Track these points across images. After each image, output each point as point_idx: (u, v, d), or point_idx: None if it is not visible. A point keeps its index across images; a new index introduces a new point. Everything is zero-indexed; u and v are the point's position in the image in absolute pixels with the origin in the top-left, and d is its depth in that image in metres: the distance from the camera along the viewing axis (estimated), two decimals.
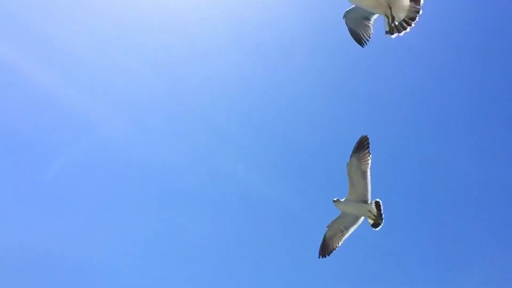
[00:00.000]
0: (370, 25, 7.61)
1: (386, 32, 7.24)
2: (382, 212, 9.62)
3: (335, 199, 9.72)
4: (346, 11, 7.51)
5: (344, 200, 9.70)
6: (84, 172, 16.73)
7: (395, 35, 7.17)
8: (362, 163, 9.50)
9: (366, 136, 9.50)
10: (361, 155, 9.47)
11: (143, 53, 16.44)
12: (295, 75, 16.55)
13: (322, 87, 16.57)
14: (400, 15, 6.96)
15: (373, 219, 9.65)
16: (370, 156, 9.50)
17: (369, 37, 7.61)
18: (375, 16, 7.53)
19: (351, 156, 9.43)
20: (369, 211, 9.57)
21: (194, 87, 16.80)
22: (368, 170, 9.55)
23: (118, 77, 16.14)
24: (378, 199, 9.74)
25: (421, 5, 6.85)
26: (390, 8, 6.80)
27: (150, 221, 16.61)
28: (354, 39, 7.68)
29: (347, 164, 9.47)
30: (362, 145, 9.47)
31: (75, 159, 16.38)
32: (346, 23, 7.63)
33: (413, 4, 6.80)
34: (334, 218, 9.96)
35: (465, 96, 16.77)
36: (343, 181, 9.69)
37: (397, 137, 16.20)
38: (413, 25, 7.02)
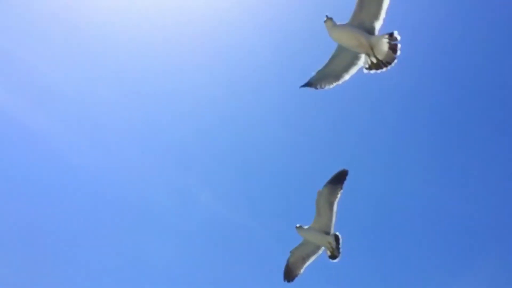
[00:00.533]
0: (333, 83, 7.85)
1: (365, 68, 7.57)
2: (340, 245, 9.63)
3: (298, 226, 9.77)
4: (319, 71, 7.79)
5: (307, 228, 9.75)
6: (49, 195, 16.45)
7: (373, 71, 7.51)
8: (332, 195, 9.57)
9: (347, 170, 9.56)
10: (334, 187, 9.55)
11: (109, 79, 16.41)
12: (260, 101, 16.76)
13: (288, 114, 16.64)
14: (379, 57, 7.32)
15: (330, 251, 9.66)
16: (342, 190, 9.58)
17: (322, 88, 7.88)
18: (346, 78, 7.76)
19: (325, 185, 9.50)
20: (329, 242, 9.61)
21: (159, 112, 16.77)
22: (336, 203, 9.64)
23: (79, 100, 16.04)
24: (337, 233, 9.76)
25: (397, 54, 7.19)
26: (372, 49, 7.16)
27: (111, 246, 16.26)
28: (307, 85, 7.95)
29: (318, 192, 9.57)
30: (339, 178, 9.53)
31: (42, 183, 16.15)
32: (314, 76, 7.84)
33: (391, 52, 7.15)
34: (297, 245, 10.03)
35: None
36: (311, 208, 9.84)
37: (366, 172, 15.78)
38: (389, 67, 7.39)
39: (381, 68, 7.42)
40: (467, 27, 15.65)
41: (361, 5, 6.91)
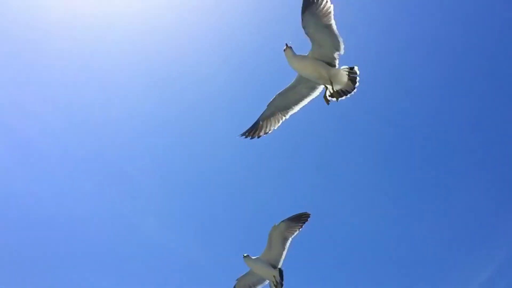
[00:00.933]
0: (280, 118, 7.81)
1: (324, 98, 7.51)
2: (283, 281, 9.61)
3: (245, 255, 9.67)
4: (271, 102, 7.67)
5: (255, 258, 9.67)
6: None
7: (332, 100, 7.55)
8: (288, 231, 9.56)
9: (309, 214, 9.51)
10: (293, 225, 9.52)
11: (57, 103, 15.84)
12: (212, 127, 16.30)
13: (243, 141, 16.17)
14: (338, 87, 7.35)
15: (274, 285, 9.64)
16: (301, 229, 9.57)
17: (266, 133, 7.82)
18: (293, 111, 7.75)
19: (283, 221, 9.46)
20: (273, 276, 9.59)
21: (103, 136, 16.11)
22: (291, 239, 9.64)
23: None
24: (281, 268, 9.68)
25: (356, 85, 7.28)
26: (331, 81, 7.19)
27: (51, 276, 14.98)
28: (251, 128, 7.88)
29: (274, 225, 9.55)
30: (299, 219, 9.50)
31: None
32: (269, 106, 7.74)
33: (350, 83, 7.26)
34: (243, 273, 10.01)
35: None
36: (261, 239, 9.85)
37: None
38: (348, 96, 7.45)
39: (341, 96, 7.42)
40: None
41: (318, 43, 6.95)
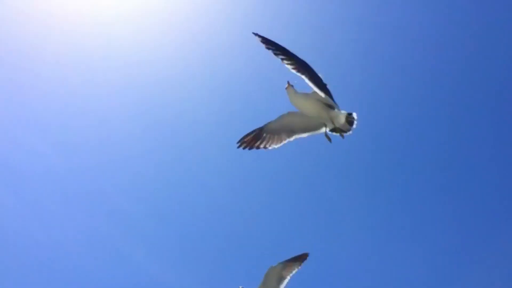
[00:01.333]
0: (284, 139, 7.53)
1: (326, 137, 7.42)
2: None
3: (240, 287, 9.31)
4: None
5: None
6: None
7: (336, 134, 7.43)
8: (286, 270, 9.26)
9: (308, 254, 9.26)
10: (290, 265, 9.23)
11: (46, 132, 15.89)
12: (203, 156, 16.11)
13: (236, 173, 16.00)
14: (337, 126, 7.28)
15: None
16: (299, 268, 9.30)
17: (265, 147, 7.49)
18: (300, 136, 7.53)
19: (281, 263, 9.17)
20: None
21: (93, 165, 15.90)
22: (288, 277, 9.34)
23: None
24: None
25: (353, 127, 7.27)
26: (332, 120, 7.15)
27: None
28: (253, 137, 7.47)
29: (271, 267, 9.20)
30: (299, 259, 9.23)
31: None
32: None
33: (347, 125, 7.22)
34: None
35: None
36: (255, 270, 9.60)
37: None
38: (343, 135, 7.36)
39: (342, 132, 7.34)
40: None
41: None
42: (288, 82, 7.09)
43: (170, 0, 15.98)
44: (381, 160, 16.18)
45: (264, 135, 7.46)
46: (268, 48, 6.24)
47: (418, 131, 16.37)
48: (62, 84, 15.48)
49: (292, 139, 7.47)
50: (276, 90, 7.50)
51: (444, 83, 16.08)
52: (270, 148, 7.46)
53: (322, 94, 6.51)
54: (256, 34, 6.24)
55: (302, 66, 6.34)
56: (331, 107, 7.09)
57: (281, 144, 7.48)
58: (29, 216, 14.75)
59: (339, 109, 7.18)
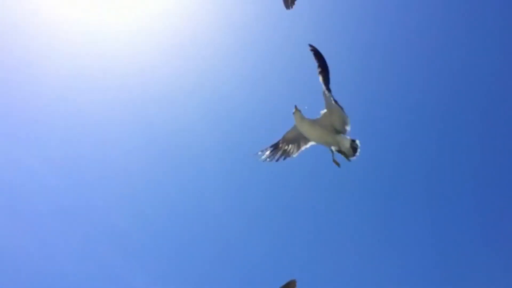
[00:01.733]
0: (302, 146, 7.68)
1: (334, 162, 7.48)
2: None
3: None
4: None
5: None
6: None
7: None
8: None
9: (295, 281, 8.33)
10: None
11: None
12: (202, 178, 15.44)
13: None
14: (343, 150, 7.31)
15: None
16: None
17: (285, 157, 7.74)
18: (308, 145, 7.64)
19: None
20: None
21: (88, 186, 15.14)
22: None
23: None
24: None
25: (357, 154, 7.28)
26: (338, 146, 7.21)
27: None
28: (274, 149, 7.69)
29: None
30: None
31: None
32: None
33: (351, 150, 7.22)
34: None
35: None
36: None
37: None
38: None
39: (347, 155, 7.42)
40: None
41: (330, 111, 6.94)
42: (295, 107, 7.16)
43: None
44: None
45: (280, 145, 7.69)
46: (317, 61, 6.61)
47: None
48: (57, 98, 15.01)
49: (308, 146, 7.66)
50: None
51: None
52: (289, 157, 7.70)
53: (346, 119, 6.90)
54: (311, 46, 6.64)
55: (329, 85, 6.61)
56: (337, 131, 7.18)
57: (299, 152, 7.69)
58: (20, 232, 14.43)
59: (348, 125, 7.33)
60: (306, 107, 7.17)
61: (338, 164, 7.41)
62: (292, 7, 7.15)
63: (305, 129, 7.22)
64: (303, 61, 6.99)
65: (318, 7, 13.08)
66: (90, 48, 14.92)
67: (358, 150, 7.31)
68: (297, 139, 7.64)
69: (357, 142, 7.29)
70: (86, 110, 14.89)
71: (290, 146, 7.67)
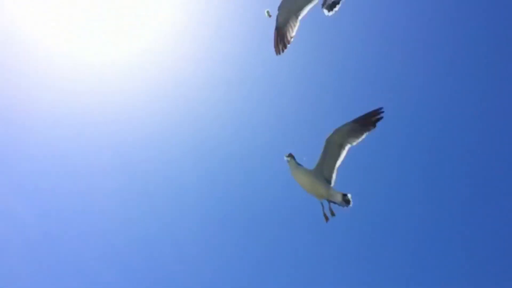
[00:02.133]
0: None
1: (324, 216, 7.48)
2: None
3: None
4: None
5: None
6: None
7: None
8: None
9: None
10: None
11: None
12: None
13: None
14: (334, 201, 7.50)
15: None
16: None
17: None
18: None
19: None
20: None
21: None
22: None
23: None
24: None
25: (350, 206, 7.38)
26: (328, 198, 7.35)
27: None
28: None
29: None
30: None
31: None
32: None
33: (344, 203, 7.33)
34: None
35: None
36: None
37: None
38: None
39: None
40: None
41: (324, 157, 7.21)
42: (290, 154, 7.33)
43: None
44: None
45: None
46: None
47: None
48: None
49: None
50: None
51: None
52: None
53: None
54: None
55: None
56: (328, 182, 7.30)
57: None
58: None
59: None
60: (304, 158, 7.40)
61: (327, 219, 7.34)
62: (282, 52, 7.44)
63: (298, 178, 7.27)
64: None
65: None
66: None
67: (351, 202, 7.33)
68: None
69: (349, 196, 7.32)
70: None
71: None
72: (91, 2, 14.91)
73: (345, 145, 7.22)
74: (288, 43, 7.38)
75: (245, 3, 13.10)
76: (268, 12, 7.24)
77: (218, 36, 14.42)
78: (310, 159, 7.19)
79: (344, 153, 7.28)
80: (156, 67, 15.06)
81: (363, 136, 7.19)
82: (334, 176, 7.31)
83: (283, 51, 7.42)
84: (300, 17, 7.47)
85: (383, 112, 7.22)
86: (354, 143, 7.21)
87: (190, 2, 14.84)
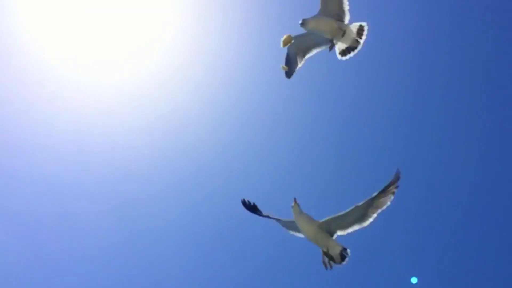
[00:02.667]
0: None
1: (323, 263, 7.48)
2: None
3: None
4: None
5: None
6: None
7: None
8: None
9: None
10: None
11: None
12: None
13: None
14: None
15: None
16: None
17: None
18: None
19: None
20: None
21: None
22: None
23: None
24: None
25: (344, 263, 7.30)
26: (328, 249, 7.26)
27: None
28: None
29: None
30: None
31: None
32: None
33: (340, 258, 7.30)
34: None
35: None
36: None
37: None
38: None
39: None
40: None
41: (343, 217, 7.11)
42: (295, 200, 7.33)
43: None
44: None
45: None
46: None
47: None
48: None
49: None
50: None
51: None
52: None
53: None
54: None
55: None
56: (331, 233, 7.33)
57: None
58: None
59: None
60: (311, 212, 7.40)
61: (326, 266, 7.34)
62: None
63: (302, 225, 7.31)
64: None
65: None
66: None
67: (347, 259, 7.31)
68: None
69: (348, 251, 7.33)
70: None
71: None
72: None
73: (369, 216, 7.02)
74: (291, 75, 8.32)
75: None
76: (283, 67, 8.14)
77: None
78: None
79: (364, 223, 7.06)
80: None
81: (384, 207, 6.93)
82: (339, 233, 7.32)
83: (289, 78, 8.38)
84: (306, 57, 8.22)
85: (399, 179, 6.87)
86: (375, 214, 6.98)
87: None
